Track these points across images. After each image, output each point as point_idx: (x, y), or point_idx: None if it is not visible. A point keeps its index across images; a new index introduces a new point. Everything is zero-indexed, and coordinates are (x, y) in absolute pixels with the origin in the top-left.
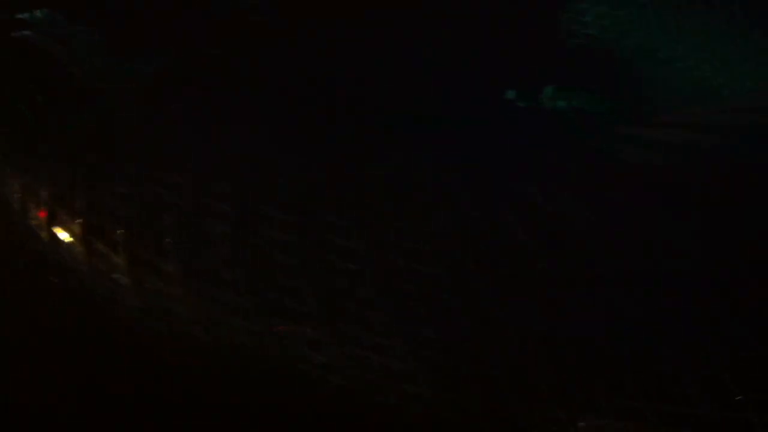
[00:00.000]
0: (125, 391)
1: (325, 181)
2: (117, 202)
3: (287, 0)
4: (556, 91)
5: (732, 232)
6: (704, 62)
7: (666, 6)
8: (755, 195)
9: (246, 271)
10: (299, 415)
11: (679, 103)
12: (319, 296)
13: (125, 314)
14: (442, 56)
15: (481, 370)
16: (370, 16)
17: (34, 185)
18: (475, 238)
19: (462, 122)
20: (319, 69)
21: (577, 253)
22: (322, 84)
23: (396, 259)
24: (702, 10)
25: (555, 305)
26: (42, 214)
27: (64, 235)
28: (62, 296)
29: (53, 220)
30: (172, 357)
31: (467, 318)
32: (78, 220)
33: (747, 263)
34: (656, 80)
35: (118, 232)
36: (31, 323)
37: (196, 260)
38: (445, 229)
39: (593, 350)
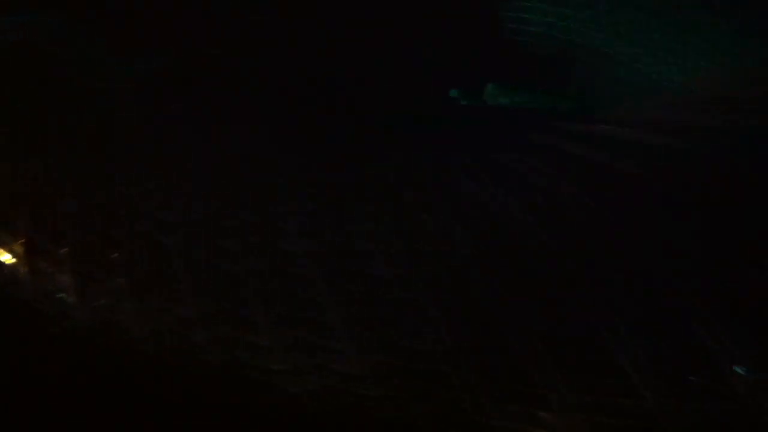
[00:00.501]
0: (73, 405)
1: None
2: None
3: None
4: (499, 89)
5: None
6: (649, 58)
7: (609, 1)
8: (692, 192)
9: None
10: (252, 423)
11: (624, 100)
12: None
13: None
14: (382, 53)
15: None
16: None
17: None
18: (419, 238)
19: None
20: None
21: (514, 251)
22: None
23: (347, 260)
24: (647, 4)
25: (508, 304)
26: None
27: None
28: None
29: None
30: (122, 371)
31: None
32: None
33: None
34: (600, 77)
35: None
36: None
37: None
38: (389, 230)
39: (555, 345)
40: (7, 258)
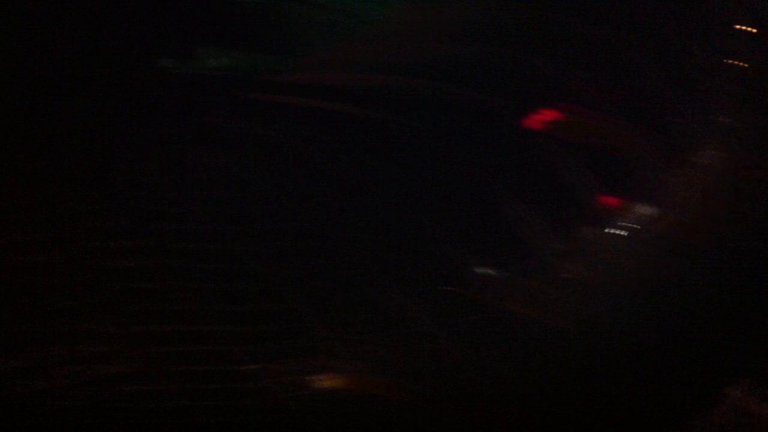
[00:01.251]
0: None
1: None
2: None
3: None
4: (209, 52)
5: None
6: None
7: None
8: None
9: None
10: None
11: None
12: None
13: None
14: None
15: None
16: None
17: None
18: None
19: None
20: None
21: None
22: None
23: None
24: None
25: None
26: None
27: None
28: None
29: None
30: None
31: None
32: None
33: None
34: (305, 25)
35: None
36: None
37: None
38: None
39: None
40: None
